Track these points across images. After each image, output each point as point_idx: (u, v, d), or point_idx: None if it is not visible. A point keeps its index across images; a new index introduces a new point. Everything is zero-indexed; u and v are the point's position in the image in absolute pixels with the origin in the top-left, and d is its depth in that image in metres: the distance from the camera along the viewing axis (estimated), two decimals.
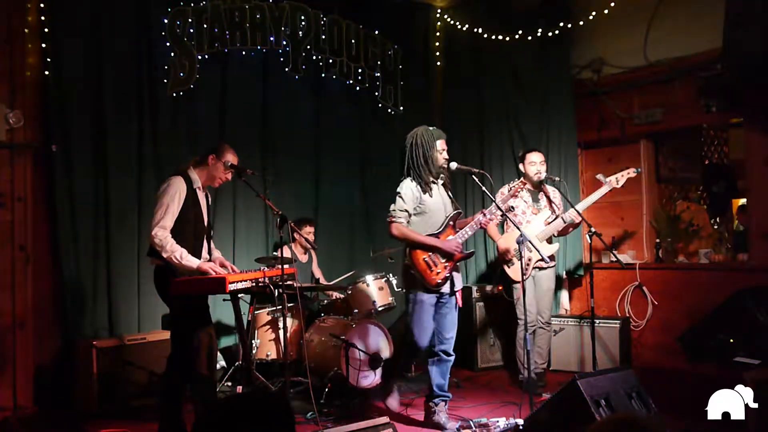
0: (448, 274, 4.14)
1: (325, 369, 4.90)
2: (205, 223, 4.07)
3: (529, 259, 5.06)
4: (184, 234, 3.87)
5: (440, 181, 4.28)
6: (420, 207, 4.16)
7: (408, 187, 4.16)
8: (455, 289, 4.24)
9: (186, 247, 3.82)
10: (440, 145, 4.21)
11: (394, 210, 4.17)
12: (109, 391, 4.55)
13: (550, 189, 5.31)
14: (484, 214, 4.22)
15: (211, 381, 3.99)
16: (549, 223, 5.10)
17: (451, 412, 4.50)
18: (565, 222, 5.05)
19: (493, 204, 4.28)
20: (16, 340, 4.61)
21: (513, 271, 5.18)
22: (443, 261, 4.12)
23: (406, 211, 4.14)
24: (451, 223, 4.21)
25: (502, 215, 5.13)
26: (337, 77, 6.20)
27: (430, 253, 4.11)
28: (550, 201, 5.20)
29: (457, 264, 4.27)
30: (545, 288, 5.20)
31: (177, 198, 3.84)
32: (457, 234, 4.20)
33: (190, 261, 3.78)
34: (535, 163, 5.15)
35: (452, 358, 4.29)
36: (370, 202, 6.53)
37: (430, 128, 4.26)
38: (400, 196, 4.16)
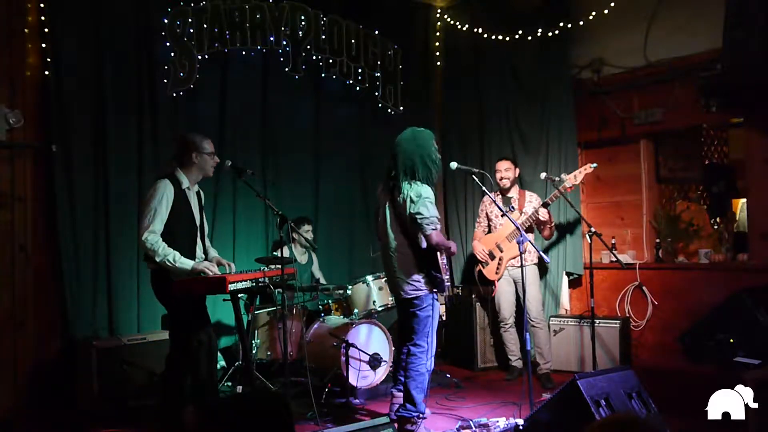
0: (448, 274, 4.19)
1: (325, 369, 4.91)
2: (197, 223, 4.06)
3: (500, 259, 5.45)
4: (177, 236, 3.86)
5: None
6: None
7: (431, 191, 3.98)
8: None
9: (180, 249, 3.81)
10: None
11: (431, 217, 3.91)
12: (109, 391, 4.54)
13: (528, 194, 5.57)
14: None
15: (211, 381, 3.99)
16: (519, 224, 5.21)
17: (452, 412, 4.51)
18: (536, 216, 5.26)
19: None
20: (16, 340, 4.62)
21: (487, 271, 5.55)
22: (445, 262, 4.15)
23: (438, 218, 3.97)
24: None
25: (502, 215, 5.25)
26: (337, 77, 6.20)
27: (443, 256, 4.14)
28: (521, 204, 5.47)
29: None
30: (527, 283, 5.22)
31: (165, 201, 3.83)
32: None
33: (184, 263, 3.78)
34: (499, 171, 5.54)
35: None
36: (370, 202, 6.52)
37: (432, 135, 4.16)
38: (430, 202, 3.94)
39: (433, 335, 4.04)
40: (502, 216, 5.29)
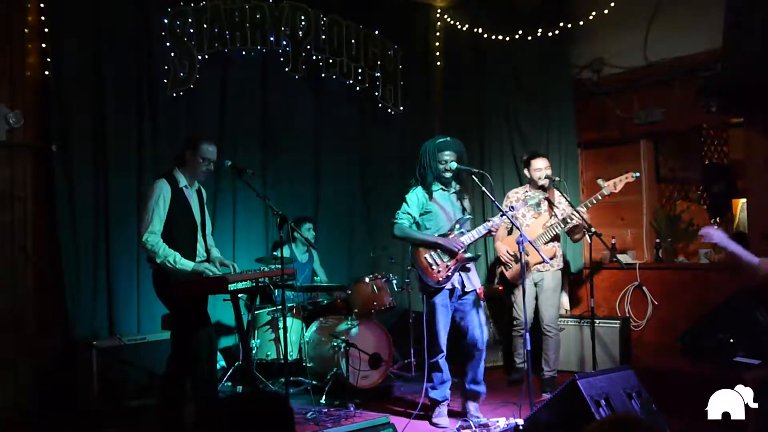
0: (450, 273, 4.22)
1: (325, 369, 4.90)
2: (197, 222, 4.05)
3: (525, 262, 5.04)
4: (176, 235, 3.86)
5: (452, 189, 4.42)
6: (427, 211, 4.35)
7: (414, 194, 4.37)
8: (468, 290, 4.33)
9: (179, 248, 3.81)
10: (441, 156, 4.30)
11: (398, 213, 4.36)
12: (109, 391, 4.54)
13: (557, 194, 5.22)
14: (490, 221, 4.36)
15: (211, 381, 3.99)
16: (548, 227, 5.06)
17: (451, 412, 4.51)
18: (566, 224, 5.01)
19: (499, 212, 4.40)
20: (16, 340, 4.61)
21: (510, 273, 5.27)
22: (446, 260, 4.21)
23: (409, 214, 4.34)
24: (457, 226, 4.33)
25: (502, 216, 5.17)
26: (337, 77, 6.19)
27: (432, 252, 4.22)
28: (551, 206, 5.15)
29: (468, 265, 4.36)
30: (544, 288, 5.17)
31: (161, 201, 3.83)
32: (464, 236, 4.29)
33: (184, 264, 3.78)
34: (540, 170, 5.12)
35: (482, 352, 4.37)
36: (370, 202, 6.53)
37: (439, 139, 4.36)
38: (405, 202, 4.37)
39: (434, 336, 4.23)
40: (528, 216, 5.11)
